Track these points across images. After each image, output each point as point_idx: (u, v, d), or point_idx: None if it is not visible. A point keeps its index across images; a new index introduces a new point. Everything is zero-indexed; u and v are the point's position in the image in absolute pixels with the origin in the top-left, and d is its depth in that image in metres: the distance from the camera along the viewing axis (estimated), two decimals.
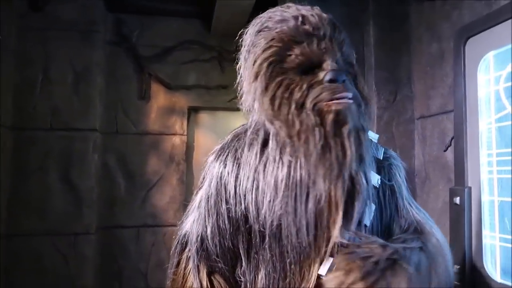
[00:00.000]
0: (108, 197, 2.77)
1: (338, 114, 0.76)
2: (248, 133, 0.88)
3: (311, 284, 0.79)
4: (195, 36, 3.00)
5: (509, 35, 1.42)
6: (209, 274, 0.89)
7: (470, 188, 1.54)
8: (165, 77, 2.94)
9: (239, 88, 0.91)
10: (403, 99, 2.09)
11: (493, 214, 1.47)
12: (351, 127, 0.77)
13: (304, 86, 0.78)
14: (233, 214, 0.85)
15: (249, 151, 0.86)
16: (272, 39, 0.82)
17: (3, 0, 2.37)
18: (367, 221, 0.83)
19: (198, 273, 0.88)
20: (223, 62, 2.94)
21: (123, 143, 2.85)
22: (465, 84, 1.60)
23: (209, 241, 0.87)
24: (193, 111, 3.06)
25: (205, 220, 0.89)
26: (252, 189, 0.83)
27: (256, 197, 0.83)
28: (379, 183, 0.88)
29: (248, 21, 0.92)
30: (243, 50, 0.89)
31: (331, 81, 0.78)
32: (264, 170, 0.82)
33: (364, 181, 0.78)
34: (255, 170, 0.83)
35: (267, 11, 0.90)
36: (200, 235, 0.89)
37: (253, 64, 0.83)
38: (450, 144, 1.76)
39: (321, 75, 0.79)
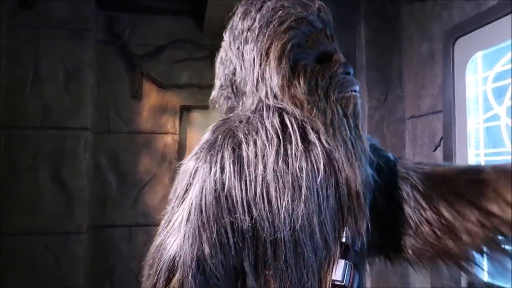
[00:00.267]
0: (100, 196, 2.76)
1: (355, 106, 0.77)
2: (243, 125, 0.75)
3: None
4: (187, 34, 2.99)
5: (497, 36, 1.44)
6: None
7: None
8: (157, 76, 2.93)
9: (223, 73, 0.87)
10: (394, 99, 2.11)
11: None
12: (361, 118, 0.79)
13: (326, 75, 0.77)
14: (239, 226, 0.70)
15: (255, 145, 0.72)
16: (294, 20, 0.78)
17: None
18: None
19: None
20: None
21: (115, 142, 2.83)
22: (454, 85, 1.62)
23: (208, 263, 0.70)
24: (185, 110, 3.05)
25: (200, 238, 0.70)
26: (265, 190, 0.70)
27: (270, 199, 0.70)
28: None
29: None
30: (247, 30, 0.82)
31: (346, 73, 0.78)
32: (280, 165, 0.70)
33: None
34: (268, 166, 0.70)
35: None
36: (195, 256, 0.70)
37: (271, 44, 0.77)
38: (440, 144, 1.78)
39: (334, 66, 0.78)
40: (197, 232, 0.71)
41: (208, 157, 0.74)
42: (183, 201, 0.75)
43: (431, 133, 1.87)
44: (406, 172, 0.85)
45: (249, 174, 0.70)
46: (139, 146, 2.88)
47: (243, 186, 0.70)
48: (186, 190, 0.75)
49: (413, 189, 0.82)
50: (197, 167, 0.74)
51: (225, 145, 0.73)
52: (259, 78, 0.78)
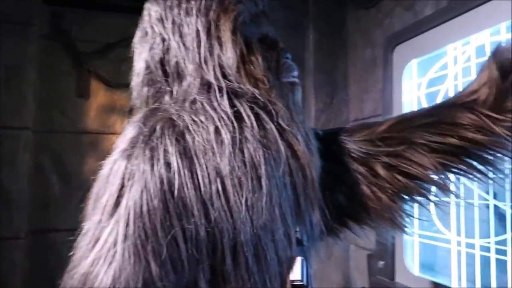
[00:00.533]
0: (42, 199, 2.63)
1: (299, 92, 0.79)
2: (187, 111, 0.65)
3: None
4: None
5: (430, 44, 1.51)
6: None
7: None
8: (105, 74, 2.84)
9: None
10: (340, 102, 2.16)
11: None
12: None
13: (274, 57, 0.74)
14: (193, 233, 0.57)
15: (206, 134, 0.62)
16: None
17: None
18: None
19: None
20: None
21: (59, 142, 2.71)
22: (392, 90, 1.68)
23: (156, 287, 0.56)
24: (134, 109, 2.98)
25: (146, 255, 0.56)
26: (221, 186, 0.59)
27: (227, 196, 0.59)
28: None
29: None
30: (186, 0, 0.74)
31: (287, 57, 0.78)
32: (236, 154, 0.61)
33: None
34: (223, 157, 0.60)
35: None
36: (141, 281, 0.55)
37: (220, 16, 0.70)
38: None
39: (276, 49, 0.77)
40: (140, 249, 0.56)
41: (147, 152, 0.61)
42: (115, 212, 0.61)
43: None
44: (339, 145, 0.87)
45: (201, 169, 0.59)
46: (85, 146, 2.77)
47: (196, 184, 0.59)
48: (118, 196, 0.62)
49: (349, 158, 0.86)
50: (132, 167, 0.62)
51: (167, 136, 0.62)
52: (207, 55, 0.69)
